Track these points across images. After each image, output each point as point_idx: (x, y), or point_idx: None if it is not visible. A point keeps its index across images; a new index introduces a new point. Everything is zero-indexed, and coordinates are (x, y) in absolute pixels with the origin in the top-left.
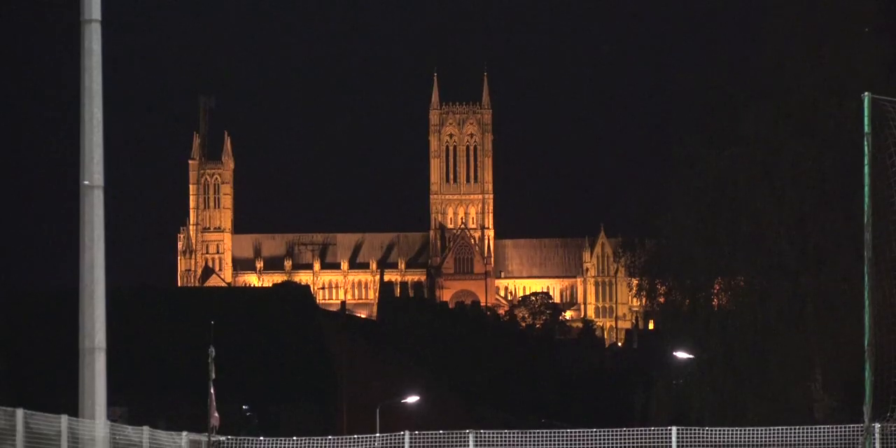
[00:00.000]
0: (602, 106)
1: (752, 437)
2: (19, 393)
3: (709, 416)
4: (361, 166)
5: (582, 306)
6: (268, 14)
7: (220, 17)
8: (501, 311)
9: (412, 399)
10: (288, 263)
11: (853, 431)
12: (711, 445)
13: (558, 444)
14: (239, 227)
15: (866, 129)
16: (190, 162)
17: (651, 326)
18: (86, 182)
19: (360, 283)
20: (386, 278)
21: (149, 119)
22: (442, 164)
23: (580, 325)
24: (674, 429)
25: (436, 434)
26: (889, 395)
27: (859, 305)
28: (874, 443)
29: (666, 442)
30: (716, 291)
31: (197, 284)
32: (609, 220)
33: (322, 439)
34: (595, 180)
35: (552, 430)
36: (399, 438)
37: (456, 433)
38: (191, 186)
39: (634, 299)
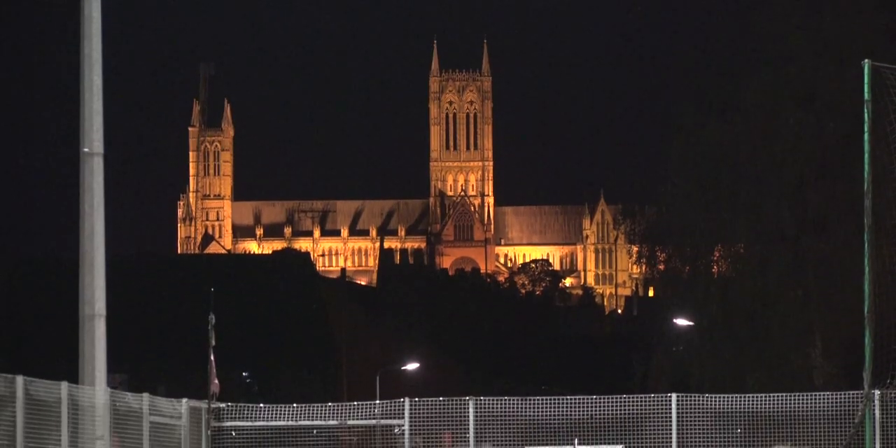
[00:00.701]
0: (602, 73)
1: (752, 404)
2: (19, 360)
3: (708, 382)
4: (361, 133)
5: (582, 273)
6: None
7: None
8: (501, 279)
9: (412, 366)
10: (288, 230)
11: (853, 398)
12: (711, 412)
13: (558, 411)
14: (239, 194)
15: (866, 96)
16: (190, 129)
17: (651, 293)
18: (85, 149)
19: (359, 250)
20: (386, 245)
21: (149, 86)
22: (442, 132)
23: (580, 292)
24: (673, 395)
25: (436, 400)
26: (889, 361)
27: (859, 272)
28: (874, 409)
29: (666, 408)
30: (716, 258)
31: (197, 251)
32: (609, 187)
33: (322, 406)
34: (595, 147)
35: (552, 397)
36: (399, 405)
37: (456, 399)
38: (191, 154)
39: (634, 266)
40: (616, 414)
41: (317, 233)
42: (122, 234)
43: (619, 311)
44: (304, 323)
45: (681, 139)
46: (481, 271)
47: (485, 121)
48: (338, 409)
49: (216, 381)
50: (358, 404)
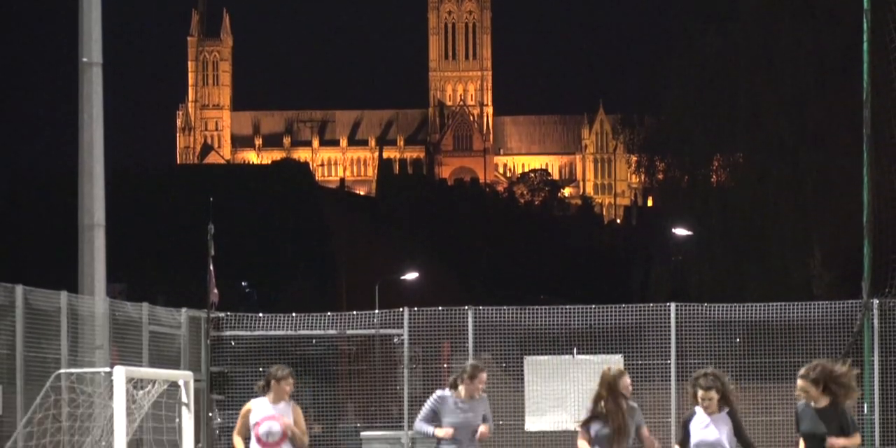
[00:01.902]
0: None
1: (751, 313)
2: (19, 270)
3: (707, 292)
4: (360, 43)
5: (580, 183)
6: None
7: None
8: (500, 188)
9: (411, 275)
10: (287, 140)
11: (852, 307)
12: (710, 321)
13: (557, 320)
14: (238, 104)
15: (865, 5)
16: (188, 39)
17: (650, 203)
18: (84, 59)
19: (358, 159)
20: (385, 155)
21: None
22: (441, 41)
23: (579, 201)
24: (672, 305)
25: (435, 310)
26: (888, 270)
27: (858, 182)
28: (873, 318)
29: (664, 318)
30: (715, 168)
31: (196, 161)
32: (608, 97)
33: (321, 315)
34: (594, 57)
35: (551, 306)
36: (398, 314)
37: (455, 309)
38: (189, 64)
39: (633, 176)
40: (615, 323)
41: (316, 143)
42: (121, 145)
43: (618, 220)
44: (303, 233)
45: (680, 50)
46: (480, 181)
47: (483, 30)
48: (337, 319)
49: (215, 291)
50: (357, 314)
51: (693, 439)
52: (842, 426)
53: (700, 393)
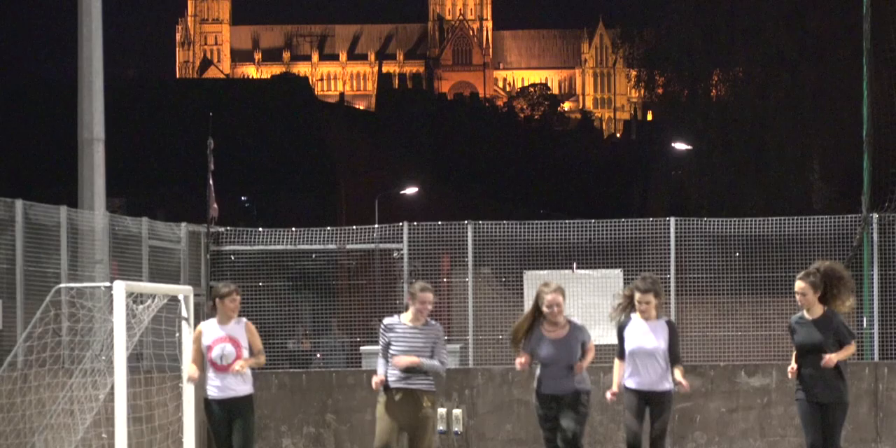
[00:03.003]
0: None
1: (750, 228)
2: (19, 184)
3: (707, 206)
4: None
5: (580, 97)
6: None
7: None
8: (500, 103)
9: (410, 190)
10: (286, 55)
11: (851, 221)
12: (709, 236)
13: (556, 235)
14: (237, 18)
15: None
16: None
17: (649, 118)
18: None
19: (358, 74)
20: (384, 69)
21: None
22: None
23: (578, 116)
24: (672, 219)
25: (434, 225)
26: (887, 184)
27: (858, 96)
28: (872, 232)
29: (664, 232)
30: (714, 82)
31: (195, 76)
32: (607, 11)
33: (321, 230)
34: None
35: (550, 221)
36: (397, 229)
37: (454, 223)
38: None
39: (633, 90)
40: (614, 238)
41: (315, 57)
42: (120, 58)
43: (618, 135)
44: (302, 147)
45: None
46: (480, 96)
47: None
48: (336, 234)
49: (215, 206)
50: (357, 228)
51: (629, 347)
52: (838, 336)
53: (637, 296)
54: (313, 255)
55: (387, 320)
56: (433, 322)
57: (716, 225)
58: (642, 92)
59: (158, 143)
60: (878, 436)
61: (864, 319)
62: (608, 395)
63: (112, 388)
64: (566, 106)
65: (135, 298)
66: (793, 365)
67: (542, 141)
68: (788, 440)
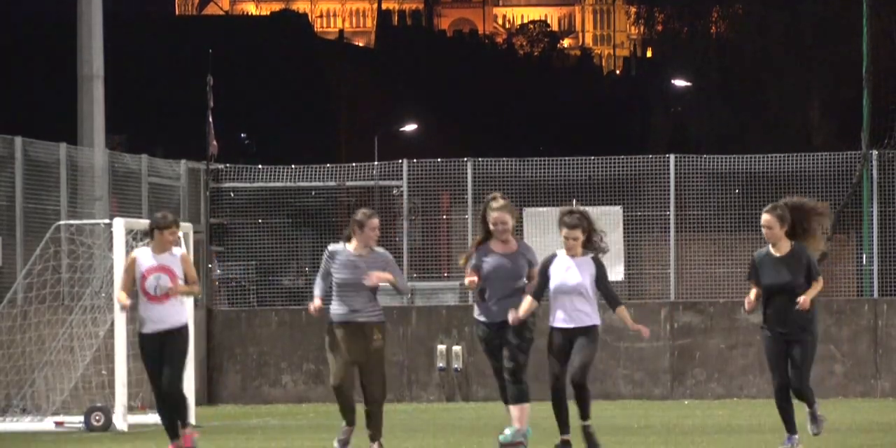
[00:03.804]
0: None
1: (750, 165)
2: (18, 121)
3: (707, 143)
4: None
5: (580, 34)
6: None
7: None
8: (499, 40)
9: (410, 127)
10: None
11: (851, 158)
12: (709, 173)
13: (556, 172)
14: None
15: None
16: None
17: (649, 54)
18: None
19: (357, 11)
20: (384, 6)
21: None
22: None
23: (578, 53)
24: (672, 156)
25: (434, 162)
26: (887, 121)
27: (857, 32)
28: (872, 169)
29: (664, 169)
30: (714, 19)
31: (195, 13)
32: None
33: (320, 167)
34: None
35: (550, 158)
36: (397, 166)
37: (454, 161)
38: None
39: (633, 27)
40: (614, 175)
41: None
42: None
43: (618, 72)
44: (302, 84)
45: None
46: (479, 33)
47: None
48: (336, 171)
49: (214, 143)
50: (356, 165)
51: (552, 283)
52: (808, 273)
53: (564, 231)
54: (313, 193)
55: (332, 247)
56: (380, 250)
57: (715, 162)
58: (642, 28)
59: (158, 80)
60: (877, 372)
61: (864, 256)
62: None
63: (112, 324)
64: (566, 43)
65: (134, 235)
66: (751, 298)
67: (542, 78)
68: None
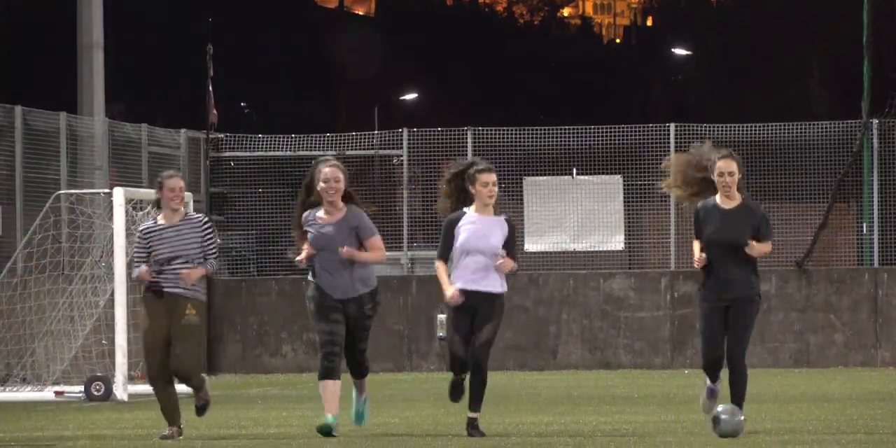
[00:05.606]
0: None
1: (751, 133)
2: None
3: (707, 111)
4: None
5: (580, 3)
6: None
7: None
8: (499, 8)
9: (410, 96)
10: None
11: (851, 126)
12: (709, 141)
13: (556, 141)
14: None
15: None
16: None
17: (649, 23)
18: None
19: None
20: None
21: None
22: None
23: (578, 22)
24: (672, 125)
25: (434, 131)
26: (887, 90)
27: (858, 1)
28: (872, 138)
29: (664, 138)
30: None
31: None
32: None
33: (320, 136)
34: None
35: (550, 127)
36: (397, 135)
37: (454, 130)
38: None
39: None
40: (614, 144)
41: None
42: None
43: (618, 40)
44: (302, 54)
45: None
46: (479, 1)
47: None
48: (336, 140)
49: (214, 112)
50: (356, 134)
51: (458, 241)
52: (760, 231)
53: (482, 177)
54: (313, 161)
55: (143, 226)
56: (194, 214)
57: (716, 130)
58: None
59: (158, 49)
60: (877, 341)
61: (864, 225)
62: (449, 294)
63: (112, 294)
64: (566, 11)
65: (134, 205)
66: (702, 254)
67: (542, 46)
68: (788, 346)
